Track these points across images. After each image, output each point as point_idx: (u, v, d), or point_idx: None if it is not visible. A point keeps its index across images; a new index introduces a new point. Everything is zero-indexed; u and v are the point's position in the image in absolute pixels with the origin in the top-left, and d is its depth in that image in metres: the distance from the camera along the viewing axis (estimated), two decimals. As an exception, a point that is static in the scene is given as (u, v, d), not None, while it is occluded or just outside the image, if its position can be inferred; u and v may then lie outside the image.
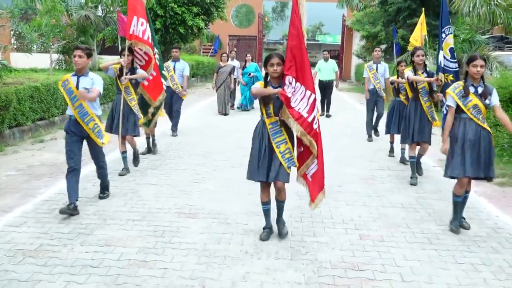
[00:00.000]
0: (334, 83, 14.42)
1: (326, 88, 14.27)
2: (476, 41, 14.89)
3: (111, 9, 14.27)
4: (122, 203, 5.88)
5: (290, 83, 4.47)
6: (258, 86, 4.71)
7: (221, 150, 8.97)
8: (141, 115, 7.36)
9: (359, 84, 26.85)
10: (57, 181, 6.67)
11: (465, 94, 5.05)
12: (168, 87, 9.68)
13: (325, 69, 14.28)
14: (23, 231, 4.88)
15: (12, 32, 11.61)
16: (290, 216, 5.51)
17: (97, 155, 5.79)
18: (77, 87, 5.37)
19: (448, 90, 5.19)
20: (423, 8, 15.66)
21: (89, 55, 5.46)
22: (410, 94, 7.43)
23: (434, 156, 8.81)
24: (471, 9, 11.54)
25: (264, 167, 4.65)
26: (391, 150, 8.97)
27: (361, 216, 5.61)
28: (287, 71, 4.49)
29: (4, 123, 8.70)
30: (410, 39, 15.67)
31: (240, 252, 4.55)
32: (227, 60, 14.12)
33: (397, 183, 7.06)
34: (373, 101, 10.30)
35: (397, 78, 8.40)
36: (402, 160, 8.41)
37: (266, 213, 4.94)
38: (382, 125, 9.76)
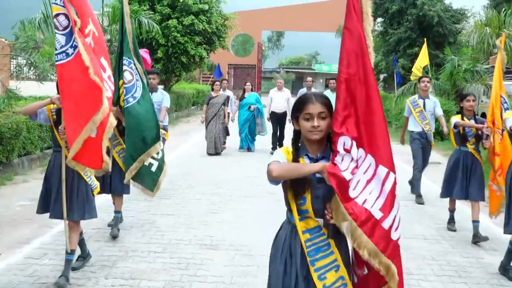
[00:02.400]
0: None
1: None
2: (478, 71, 15.09)
3: (114, 39, 14.33)
4: (140, 234, 5.78)
5: (347, 151, 2.38)
6: (280, 157, 2.49)
7: (231, 179, 8.91)
8: (96, 183, 4.67)
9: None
10: (72, 211, 6.58)
11: None
12: None
13: (333, 102, 12.31)
14: (45, 264, 4.78)
15: (14, 61, 11.62)
16: (313, 247, 5.43)
17: None
18: None
19: None
20: (424, 39, 15.94)
21: None
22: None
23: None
24: (478, 40, 11.72)
25: None
26: (452, 221, 6.39)
27: (384, 247, 5.53)
28: (339, 127, 2.41)
29: (14, 152, 8.63)
30: (413, 69, 15.93)
31: (268, 285, 4.45)
32: (220, 89, 11.84)
33: (413, 214, 7.01)
34: (420, 147, 7.76)
35: (462, 119, 6.02)
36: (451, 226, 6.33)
37: None
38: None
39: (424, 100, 7.81)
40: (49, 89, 10.66)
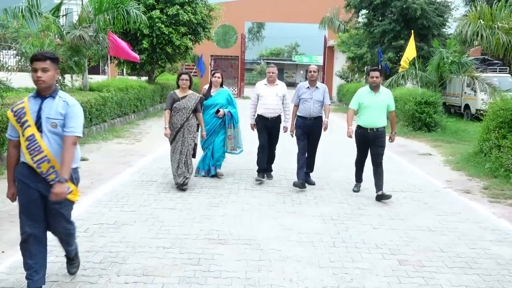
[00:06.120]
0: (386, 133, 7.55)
1: (373, 143, 7.34)
2: (464, 63, 15.27)
3: (102, 28, 14.00)
4: (145, 229, 5.68)
5: None
6: None
7: (228, 172, 8.81)
8: None
9: (342, 104, 27.08)
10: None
11: None
12: (24, 164, 3.94)
13: (376, 107, 7.24)
14: (52, 261, 4.64)
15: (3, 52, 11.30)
16: (321, 241, 5.43)
17: None
18: None
19: None
20: (412, 31, 16.03)
21: None
22: None
23: (442, 176, 8.89)
24: (473, 33, 11.79)
25: None
26: None
27: (392, 240, 5.55)
28: None
29: (4, 145, 8.39)
30: (401, 61, 16.01)
31: (284, 280, 4.42)
32: (188, 86, 7.56)
33: (414, 206, 7.03)
34: None
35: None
36: None
37: None
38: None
39: None
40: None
